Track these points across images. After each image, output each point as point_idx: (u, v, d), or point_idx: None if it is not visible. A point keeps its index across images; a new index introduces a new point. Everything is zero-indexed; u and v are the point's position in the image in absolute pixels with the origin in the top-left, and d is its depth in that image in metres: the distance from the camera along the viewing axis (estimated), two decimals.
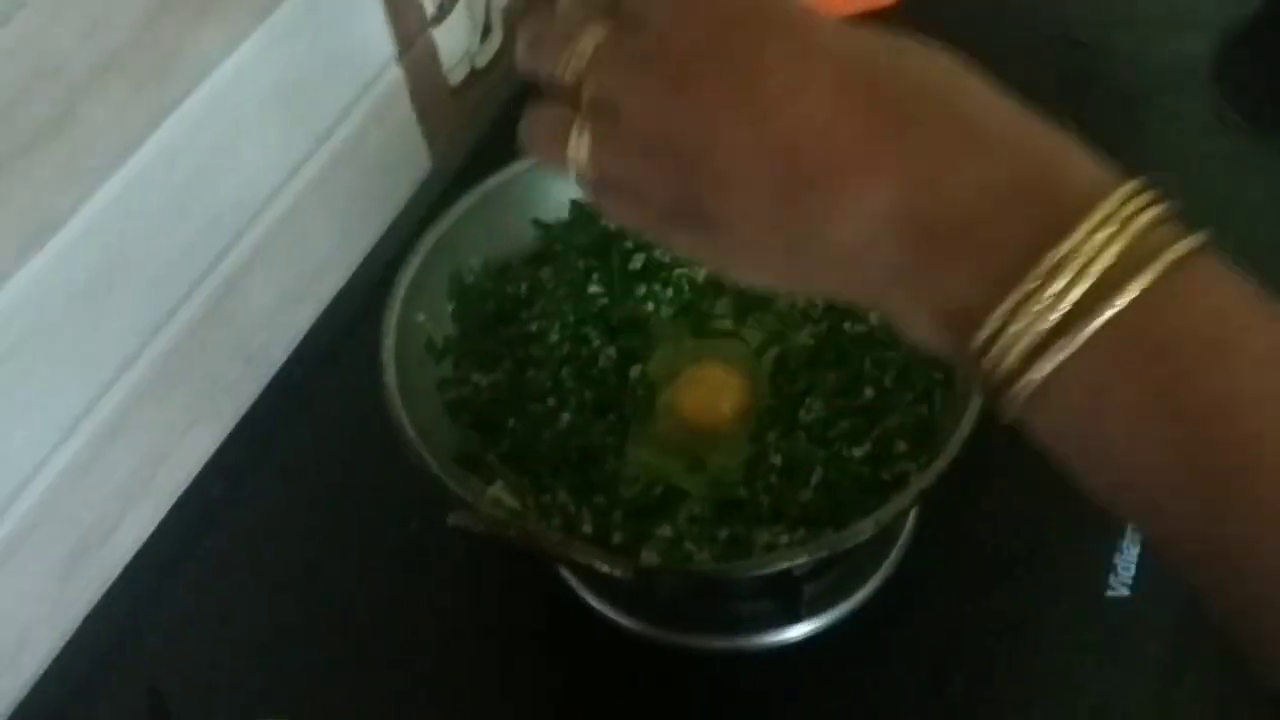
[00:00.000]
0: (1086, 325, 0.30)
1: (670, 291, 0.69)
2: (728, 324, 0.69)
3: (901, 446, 0.60)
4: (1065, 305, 0.31)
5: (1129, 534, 0.66)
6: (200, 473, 0.71)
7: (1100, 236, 0.31)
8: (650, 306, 0.68)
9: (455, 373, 0.65)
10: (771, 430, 0.62)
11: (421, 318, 0.64)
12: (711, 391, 0.66)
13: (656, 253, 0.69)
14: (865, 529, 0.53)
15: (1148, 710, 0.61)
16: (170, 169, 0.63)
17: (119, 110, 0.59)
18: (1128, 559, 0.65)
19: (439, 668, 0.64)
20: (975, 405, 0.56)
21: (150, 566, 0.68)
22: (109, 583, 0.67)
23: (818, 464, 0.60)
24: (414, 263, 0.63)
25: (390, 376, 0.59)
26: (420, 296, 0.64)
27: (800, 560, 0.52)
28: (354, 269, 0.79)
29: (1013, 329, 0.31)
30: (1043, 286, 0.31)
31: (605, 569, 0.48)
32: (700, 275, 0.69)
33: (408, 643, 0.65)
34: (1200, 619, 0.36)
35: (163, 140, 0.62)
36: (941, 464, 0.55)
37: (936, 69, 0.35)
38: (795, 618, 0.61)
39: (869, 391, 0.62)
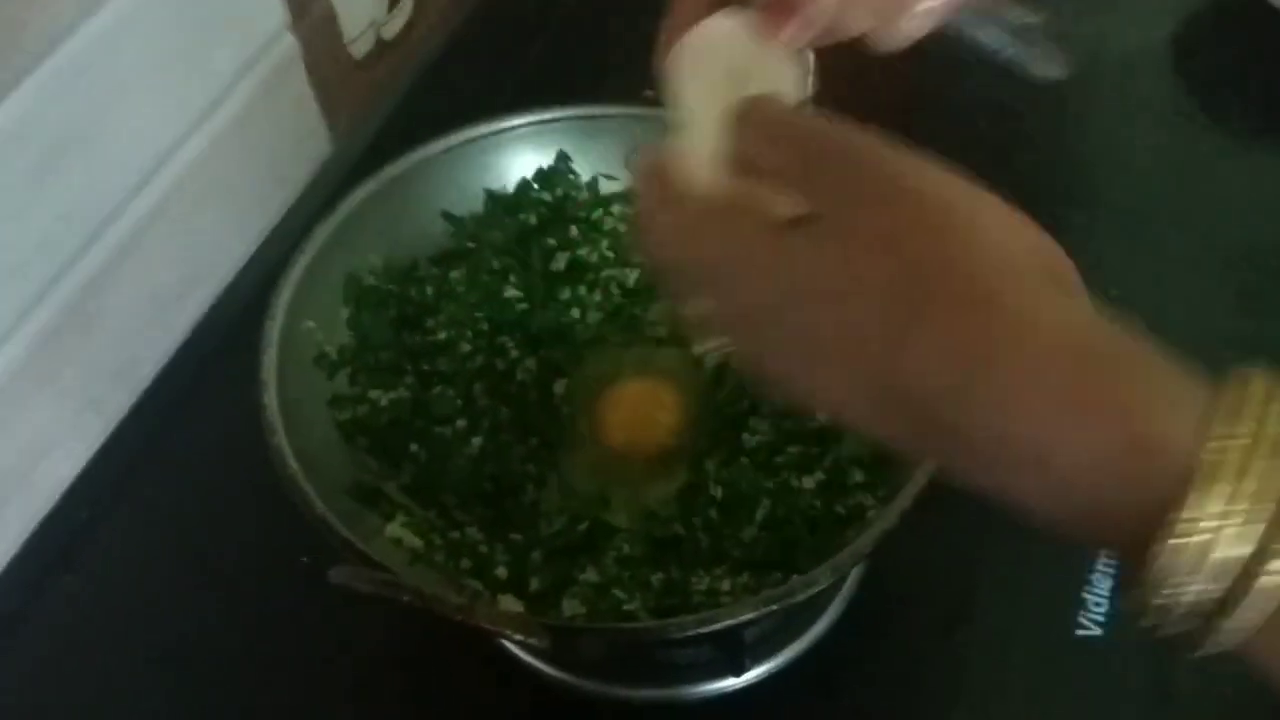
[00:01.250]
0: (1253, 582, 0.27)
1: (598, 295, 0.62)
2: (662, 331, 0.62)
3: (856, 476, 0.53)
4: (1224, 574, 0.27)
5: (1100, 566, 0.60)
6: (59, 502, 0.62)
7: (1220, 499, 0.27)
8: (576, 313, 0.61)
9: (350, 389, 0.57)
10: (711, 457, 0.55)
11: (311, 325, 0.56)
12: (644, 411, 0.59)
13: (582, 251, 0.62)
14: (819, 578, 0.46)
15: None
16: (14, 153, 0.55)
17: None
18: (1099, 594, 0.59)
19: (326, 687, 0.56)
20: None
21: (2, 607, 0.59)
22: None
23: (763, 496, 0.53)
24: (301, 262, 0.55)
25: (271, 397, 0.51)
26: (309, 301, 0.56)
27: (745, 617, 0.45)
28: (239, 268, 0.70)
29: (1183, 593, 0.28)
30: (1187, 549, 0.27)
31: (518, 637, 0.40)
32: (631, 278, 0.62)
33: (299, 699, 0.56)
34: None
35: (3, 121, 0.53)
36: (904, 501, 0.48)
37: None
38: (738, 668, 0.54)
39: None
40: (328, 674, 0.57)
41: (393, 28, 0.79)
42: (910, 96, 0.84)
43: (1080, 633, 0.58)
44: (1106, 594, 0.59)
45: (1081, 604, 0.59)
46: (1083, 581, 0.59)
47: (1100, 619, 0.59)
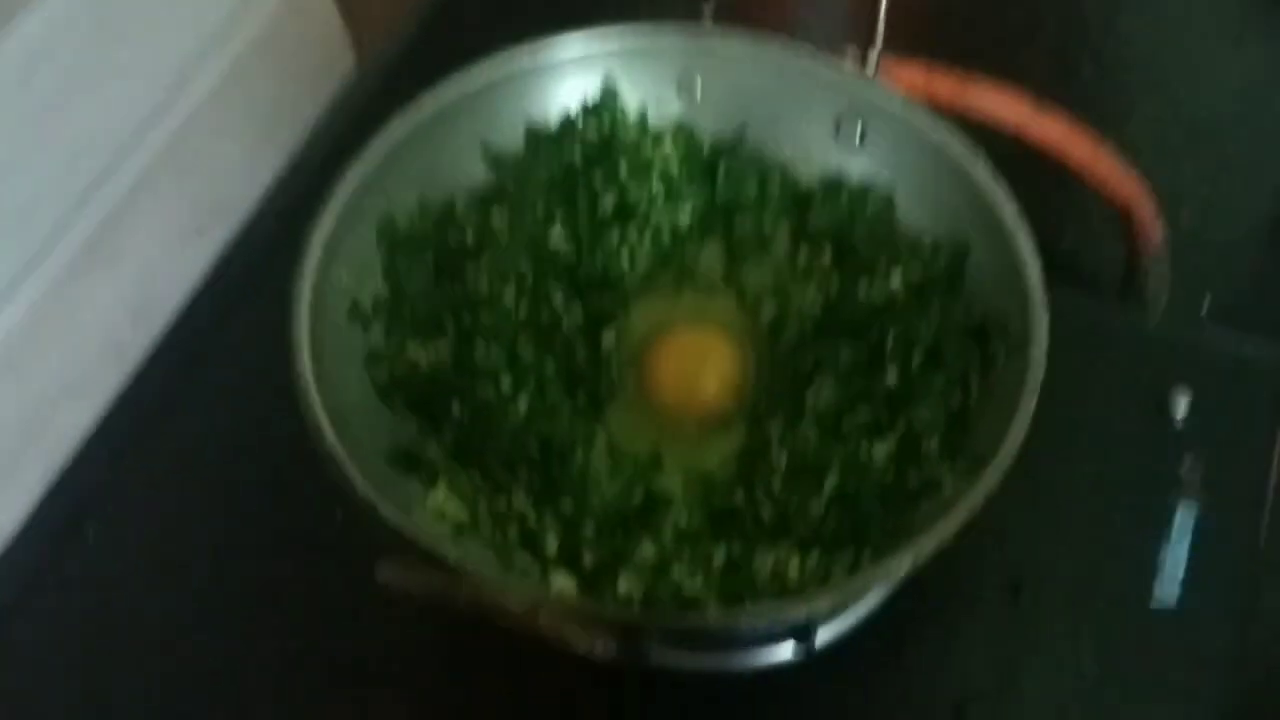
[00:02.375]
0: None
1: (648, 239, 0.57)
2: (716, 276, 0.58)
3: (932, 445, 0.50)
4: None
5: (1175, 533, 0.57)
6: (78, 453, 0.59)
7: None
8: (625, 258, 0.56)
9: (387, 344, 0.53)
10: (773, 418, 0.52)
11: (344, 276, 0.52)
12: (696, 364, 0.56)
13: (631, 190, 0.57)
14: (898, 567, 0.43)
15: None
16: (24, 85, 0.50)
17: None
18: (1175, 559, 0.56)
19: (370, 701, 0.53)
20: (1028, 402, 0.46)
21: (21, 566, 0.57)
22: None
23: (831, 468, 0.49)
24: (332, 209, 0.51)
25: (304, 363, 0.47)
26: (342, 249, 0.51)
27: (820, 608, 0.42)
28: (262, 196, 0.66)
29: None
30: None
31: (582, 649, 0.37)
32: (684, 219, 0.58)
33: (327, 670, 0.54)
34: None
35: (13, 51, 0.49)
36: (989, 483, 0.44)
37: None
38: (808, 648, 0.50)
39: (892, 373, 0.51)
40: (363, 636, 0.55)
41: None
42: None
43: (1155, 605, 0.56)
44: (1183, 560, 0.56)
45: (1156, 572, 0.56)
46: (1157, 551, 0.57)
47: (1176, 591, 0.56)
